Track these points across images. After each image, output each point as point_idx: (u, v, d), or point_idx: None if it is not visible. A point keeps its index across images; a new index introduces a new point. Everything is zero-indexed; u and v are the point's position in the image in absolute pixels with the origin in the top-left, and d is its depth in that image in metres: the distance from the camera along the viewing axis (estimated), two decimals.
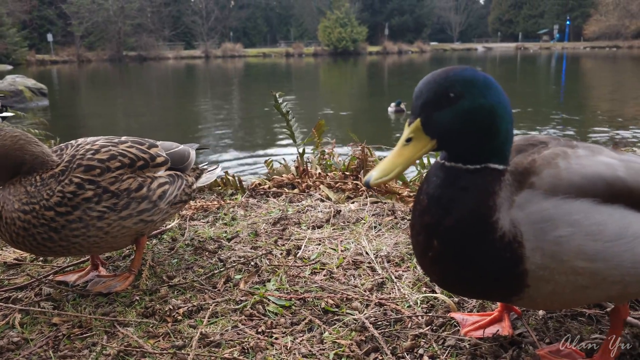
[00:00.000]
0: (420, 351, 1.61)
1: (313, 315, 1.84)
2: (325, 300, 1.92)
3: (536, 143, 1.40)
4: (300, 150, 3.80)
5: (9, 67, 37.44)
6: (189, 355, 1.59)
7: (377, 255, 2.33)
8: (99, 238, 1.94)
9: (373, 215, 2.88)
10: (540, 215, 1.22)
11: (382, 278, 2.10)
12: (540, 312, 1.79)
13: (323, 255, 2.36)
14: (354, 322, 1.78)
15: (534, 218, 1.23)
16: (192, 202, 3.13)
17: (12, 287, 2.08)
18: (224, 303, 1.94)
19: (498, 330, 1.66)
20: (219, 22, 75.64)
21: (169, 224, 2.81)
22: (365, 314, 1.82)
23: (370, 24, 77.30)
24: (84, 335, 1.74)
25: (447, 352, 1.60)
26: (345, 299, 1.94)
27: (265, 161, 4.05)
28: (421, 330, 1.71)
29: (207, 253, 2.41)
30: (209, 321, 1.82)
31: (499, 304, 1.77)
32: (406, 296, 1.95)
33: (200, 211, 3.06)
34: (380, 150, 5.13)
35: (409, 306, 1.89)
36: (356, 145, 3.69)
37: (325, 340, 1.68)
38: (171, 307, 1.87)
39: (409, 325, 1.75)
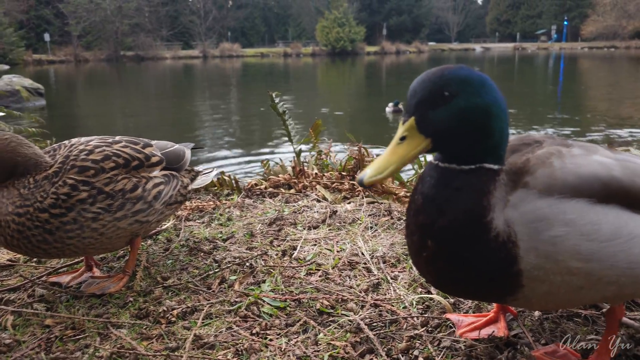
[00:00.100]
0: (416, 352, 1.59)
1: (308, 316, 1.83)
2: (321, 301, 1.91)
3: (531, 142, 1.39)
4: (297, 150, 3.79)
5: (6, 67, 37.27)
6: (182, 357, 1.58)
7: (372, 255, 2.32)
8: (93, 239, 1.92)
9: (369, 215, 2.87)
10: (534, 214, 1.21)
11: (378, 279, 2.09)
12: (536, 313, 1.78)
13: (319, 256, 2.35)
14: (349, 323, 1.77)
15: (528, 217, 1.21)
16: (187, 203, 3.12)
17: (4, 289, 2.06)
18: (219, 304, 1.92)
19: (494, 331, 1.65)
20: (217, 22, 75.59)
21: (164, 225, 2.79)
22: (360, 315, 1.81)
23: (368, 24, 77.30)
24: (77, 337, 1.72)
25: (442, 353, 1.59)
26: (340, 300, 1.93)
27: (262, 161, 4.04)
28: (416, 332, 1.70)
29: (202, 254, 2.40)
30: (203, 322, 1.80)
31: (494, 304, 1.76)
32: (402, 297, 1.94)
33: (196, 211, 3.05)
34: (379, 149, 5.13)
35: (405, 307, 1.88)
36: (353, 145, 3.68)
37: (319, 342, 1.67)
38: (165, 309, 1.86)
39: (405, 327, 1.74)
